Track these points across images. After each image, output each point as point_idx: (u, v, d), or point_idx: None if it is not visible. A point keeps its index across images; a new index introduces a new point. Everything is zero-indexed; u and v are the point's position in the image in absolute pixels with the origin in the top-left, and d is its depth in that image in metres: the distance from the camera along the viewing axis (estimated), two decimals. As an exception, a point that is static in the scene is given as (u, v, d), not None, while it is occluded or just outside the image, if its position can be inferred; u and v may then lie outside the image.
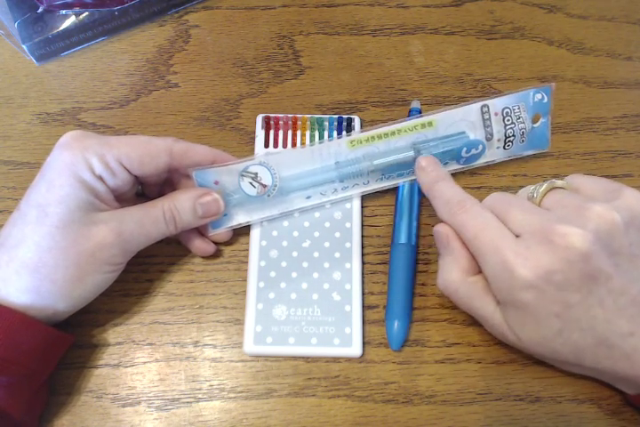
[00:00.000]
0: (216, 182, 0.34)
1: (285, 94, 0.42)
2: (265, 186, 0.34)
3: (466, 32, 0.44)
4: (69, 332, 0.32)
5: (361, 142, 0.35)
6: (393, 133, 0.35)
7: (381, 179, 0.36)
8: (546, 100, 0.36)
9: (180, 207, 0.33)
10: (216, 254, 0.36)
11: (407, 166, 0.35)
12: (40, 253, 0.29)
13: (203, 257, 0.36)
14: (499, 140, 0.36)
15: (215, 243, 0.36)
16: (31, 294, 0.29)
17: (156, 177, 0.34)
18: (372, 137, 0.35)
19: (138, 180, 0.33)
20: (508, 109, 0.35)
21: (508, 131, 0.36)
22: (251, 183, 0.34)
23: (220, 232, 0.35)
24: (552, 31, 0.44)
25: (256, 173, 0.34)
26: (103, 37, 0.43)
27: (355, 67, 0.43)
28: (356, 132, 0.35)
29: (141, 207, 0.32)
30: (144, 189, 0.36)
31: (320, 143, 0.35)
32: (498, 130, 0.36)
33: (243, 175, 0.34)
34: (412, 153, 0.35)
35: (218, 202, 0.34)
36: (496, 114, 0.35)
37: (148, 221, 0.32)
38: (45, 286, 0.29)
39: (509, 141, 0.36)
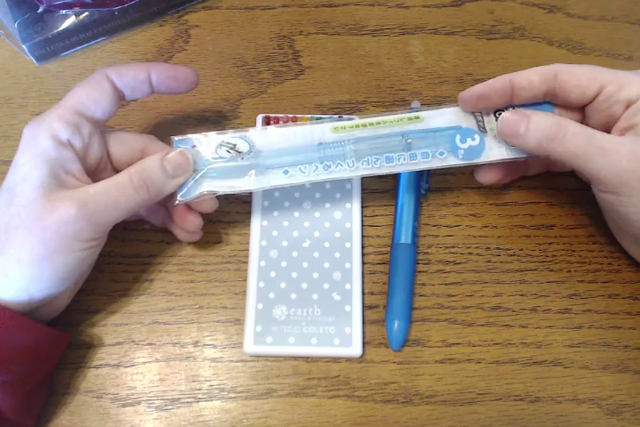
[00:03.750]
0: (193, 146, 0.33)
1: (285, 94, 0.42)
2: (240, 153, 0.33)
3: (466, 32, 0.44)
4: (69, 332, 0.32)
5: (344, 128, 0.34)
6: (378, 123, 0.34)
7: (367, 161, 0.34)
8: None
9: (147, 168, 0.31)
10: (216, 254, 0.36)
11: (395, 151, 0.34)
12: (7, 235, 0.28)
13: (202, 257, 0.36)
14: (495, 136, 0.34)
15: (215, 243, 0.36)
16: (1, 277, 0.28)
17: (127, 155, 0.33)
18: (357, 125, 0.34)
19: (111, 159, 0.33)
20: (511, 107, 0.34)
21: None
22: (228, 151, 0.33)
23: (191, 200, 0.33)
24: (552, 31, 0.44)
25: (234, 144, 0.33)
26: (103, 37, 0.43)
27: (355, 67, 0.43)
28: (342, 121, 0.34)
29: (109, 178, 0.31)
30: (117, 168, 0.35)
31: (302, 126, 0.34)
32: (491, 128, 0.34)
33: (221, 145, 0.33)
34: (399, 137, 0.34)
35: (184, 155, 0.32)
36: (487, 114, 0.34)
37: (115, 189, 0.30)
38: (12, 267, 0.28)
39: None
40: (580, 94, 0.32)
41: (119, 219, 0.31)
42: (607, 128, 0.33)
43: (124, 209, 0.30)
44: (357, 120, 0.34)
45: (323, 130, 0.34)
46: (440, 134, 0.34)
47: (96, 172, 0.33)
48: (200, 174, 0.33)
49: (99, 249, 0.31)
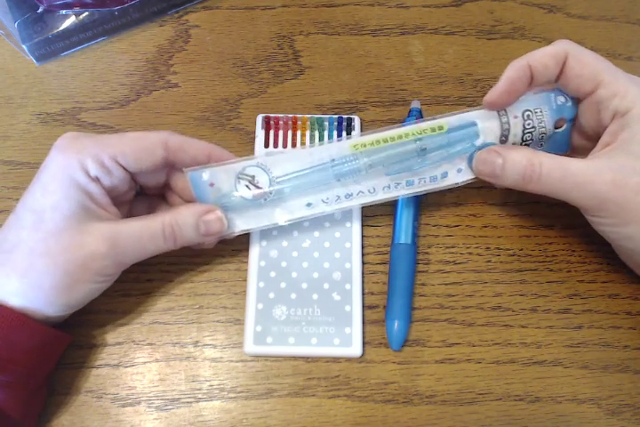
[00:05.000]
0: (211, 184, 0.33)
1: (285, 94, 0.42)
2: (261, 189, 0.33)
3: (466, 32, 0.44)
4: (69, 332, 0.32)
5: (365, 146, 0.33)
6: (400, 137, 0.33)
7: (389, 186, 0.34)
8: (570, 103, 0.33)
9: (182, 223, 0.32)
10: (216, 254, 0.36)
11: (412, 165, 0.33)
12: (31, 259, 0.29)
13: (202, 257, 0.36)
14: (513, 143, 0.34)
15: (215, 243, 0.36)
16: (20, 298, 0.29)
17: (153, 175, 0.34)
18: (378, 141, 0.33)
19: (136, 180, 0.33)
20: (529, 112, 0.33)
21: (527, 135, 0.33)
22: (247, 186, 0.33)
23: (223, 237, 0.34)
24: (552, 31, 0.44)
25: (253, 176, 0.33)
26: (103, 37, 0.43)
27: (355, 67, 0.43)
28: (359, 134, 0.33)
29: (141, 220, 0.31)
30: (144, 191, 0.36)
31: (320, 145, 0.33)
32: (515, 133, 0.33)
33: (239, 178, 0.33)
34: (413, 145, 0.33)
35: (222, 221, 0.33)
36: (515, 117, 0.33)
37: (146, 236, 0.31)
38: (33, 291, 0.29)
39: (526, 145, 0.34)
40: (577, 86, 0.32)
41: (141, 260, 0.32)
42: (595, 132, 0.33)
43: (149, 254, 0.32)
44: (378, 135, 0.33)
45: (340, 147, 0.33)
46: (457, 148, 0.33)
47: (119, 196, 0.33)
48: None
49: (114, 279, 0.32)
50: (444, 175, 0.34)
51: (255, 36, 0.44)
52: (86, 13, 0.42)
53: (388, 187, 0.34)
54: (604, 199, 0.30)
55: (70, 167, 0.30)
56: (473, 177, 0.34)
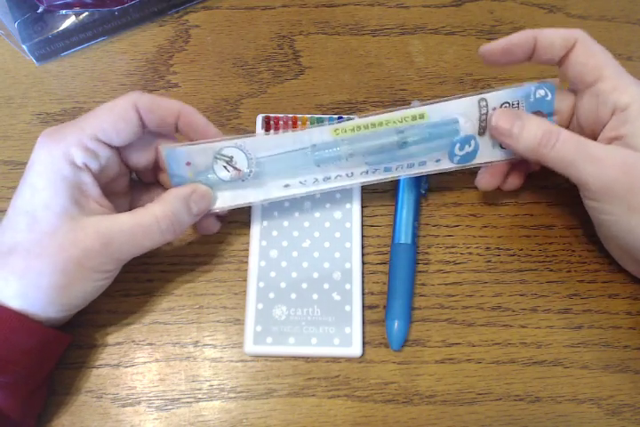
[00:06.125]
0: (188, 163, 0.32)
1: (285, 94, 0.41)
2: (239, 171, 0.33)
3: (466, 32, 0.44)
4: (69, 332, 0.32)
5: (345, 131, 0.33)
6: (380, 124, 0.33)
7: (366, 172, 0.34)
8: (549, 97, 0.33)
9: (176, 212, 0.31)
10: (216, 254, 0.36)
11: (392, 156, 0.33)
12: (28, 260, 0.28)
13: (202, 257, 0.36)
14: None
15: (215, 243, 0.36)
16: (19, 299, 0.29)
17: (141, 153, 0.33)
18: (359, 126, 0.33)
19: (126, 161, 0.33)
20: (507, 104, 0.33)
21: None
22: (225, 167, 0.32)
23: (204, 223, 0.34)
24: (552, 31, 0.44)
25: (231, 157, 0.32)
26: (103, 37, 0.43)
27: (355, 67, 0.43)
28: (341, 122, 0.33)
29: (132, 215, 0.30)
30: (140, 177, 0.35)
31: (302, 130, 0.33)
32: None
33: (217, 158, 0.32)
34: (395, 138, 0.33)
35: (209, 195, 0.32)
36: (494, 109, 0.33)
37: (140, 233, 0.30)
38: (32, 292, 0.29)
39: None
40: (578, 74, 0.32)
41: (138, 255, 0.31)
42: (591, 129, 0.33)
43: (147, 248, 0.31)
44: (359, 121, 0.33)
45: (322, 132, 0.33)
46: (438, 143, 0.33)
47: (113, 183, 0.33)
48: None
49: (114, 276, 0.32)
50: (422, 164, 0.34)
51: (255, 36, 0.44)
52: (86, 13, 0.42)
53: (366, 172, 0.34)
54: (613, 180, 0.30)
55: (55, 162, 0.29)
56: (449, 167, 0.34)
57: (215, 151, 0.32)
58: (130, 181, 0.35)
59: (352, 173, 0.34)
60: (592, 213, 0.33)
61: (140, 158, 0.33)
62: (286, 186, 0.34)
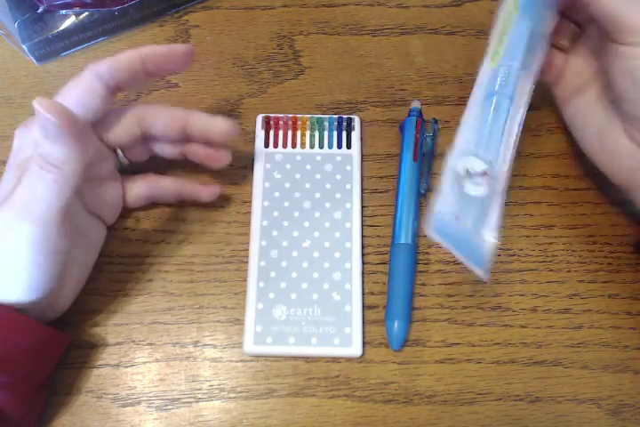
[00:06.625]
0: (457, 217, 0.30)
1: (285, 94, 0.42)
2: (487, 174, 0.30)
3: (466, 32, 0.44)
4: (69, 332, 0.32)
5: (498, 54, 0.32)
6: (504, 29, 0.32)
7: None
8: None
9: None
10: (216, 254, 0.36)
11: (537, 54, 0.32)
12: None
13: (203, 257, 0.36)
14: None
15: (215, 243, 0.36)
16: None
17: (124, 132, 0.33)
18: (499, 37, 0.32)
19: (109, 143, 0.33)
20: None
21: None
22: (474, 183, 0.30)
23: None
24: (552, 31, 0.44)
25: (472, 169, 0.30)
26: (103, 37, 0.43)
27: (355, 67, 0.43)
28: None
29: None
30: (128, 157, 0.35)
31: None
32: None
33: (465, 179, 0.30)
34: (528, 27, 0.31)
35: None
36: None
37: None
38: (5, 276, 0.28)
39: None
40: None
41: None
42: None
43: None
44: (493, 35, 0.32)
45: (484, 71, 0.32)
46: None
47: (96, 167, 0.33)
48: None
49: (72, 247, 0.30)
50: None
51: (255, 36, 0.44)
52: (86, 13, 0.42)
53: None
54: None
55: (24, 147, 0.30)
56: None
57: (461, 176, 0.30)
58: (118, 164, 0.35)
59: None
60: (617, 64, 0.30)
61: (120, 133, 0.33)
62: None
